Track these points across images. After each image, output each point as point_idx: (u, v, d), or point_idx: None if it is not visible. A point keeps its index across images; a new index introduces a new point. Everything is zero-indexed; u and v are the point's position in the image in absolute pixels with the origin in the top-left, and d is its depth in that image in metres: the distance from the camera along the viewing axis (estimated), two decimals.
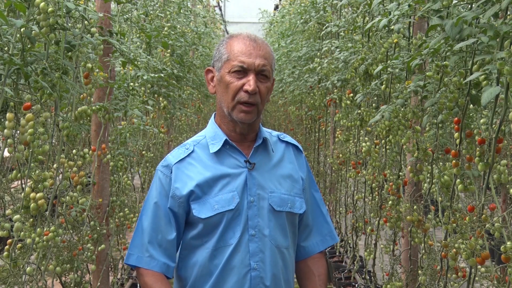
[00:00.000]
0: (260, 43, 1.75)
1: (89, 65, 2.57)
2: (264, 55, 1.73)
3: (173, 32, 4.97)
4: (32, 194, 2.15)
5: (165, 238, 1.75)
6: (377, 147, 3.42)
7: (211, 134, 1.79)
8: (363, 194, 4.23)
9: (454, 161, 2.16)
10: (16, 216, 2.15)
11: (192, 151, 1.78)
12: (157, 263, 1.74)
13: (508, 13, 1.96)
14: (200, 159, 1.77)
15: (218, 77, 1.76)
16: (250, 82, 1.69)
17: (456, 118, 2.16)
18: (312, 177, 1.94)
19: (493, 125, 2.03)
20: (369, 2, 3.38)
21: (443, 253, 2.29)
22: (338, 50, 4.20)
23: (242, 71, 1.70)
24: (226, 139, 1.76)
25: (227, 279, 1.72)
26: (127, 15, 3.55)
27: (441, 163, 2.44)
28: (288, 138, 1.92)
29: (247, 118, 1.72)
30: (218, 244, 1.72)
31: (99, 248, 3.03)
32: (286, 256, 1.78)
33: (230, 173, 1.75)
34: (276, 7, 12.31)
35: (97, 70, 2.71)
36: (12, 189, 2.54)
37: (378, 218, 3.53)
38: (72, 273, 2.68)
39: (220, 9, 16.41)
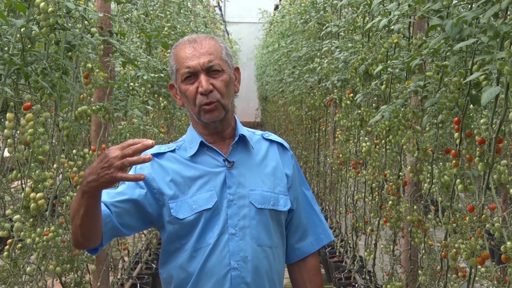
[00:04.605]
0: (200, 41, 1.74)
1: (89, 65, 2.56)
2: (208, 50, 1.72)
3: (173, 32, 4.96)
4: (32, 194, 2.16)
5: (118, 197, 1.68)
6: (377, 147, 3.42)
7: (189, 138, 1.80)
8: (363, 194, 4.23)
9: (454, 161, 2.16)
10: (16, 216, 2.15)
11: (173, 151, 1.79)
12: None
13: (508, 13, 1.96)
14: (179, 159, 1.77)
15: (178, 89, 1.77)
16: (201, 83, 1.69)
17: (456, 118, 2.16)
18: (302, 175, 1.92)
19: (493, 125, 2.03)
20: (369, 2, 3.38)
21: (443, 253, 2.29)
22: (338, 50, 4.20)
23: (192, 76, 1.71)
24: (201, 141, 1.76)
25: (206, 279, 1.70)
26: (127, 15, 3.55)
27: (441, 163, 2.44)
28: (273, 136, 1.89)
29: (213, 116, 1.72)
30: (196, 245, 1.71)
31: None
32: (270, 256, 1.75)
33: (208, 173, 1.74)
34: (276, 7, 12.30)
35: (97, 70, 2.71)
36: (12, 189, 2.54)
37: (378, 218, 3.53)
38: (72, 273, 2.68)
39: (220, 9, 16.41)
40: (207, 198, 1.71)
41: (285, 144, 1.90)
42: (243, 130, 1.82)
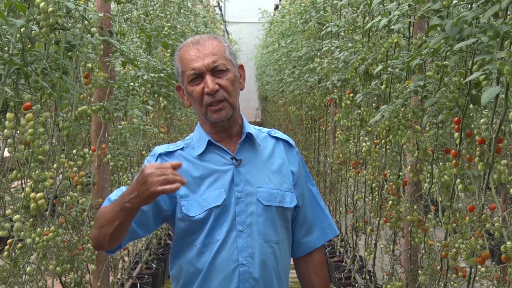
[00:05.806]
0: (203, 42, 1.76)
1: (89, 65, 2.57)
2: (212, 51, 1.74)
3: (173, 32, 4.97)
4: (32, 194, 2.16)
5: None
6: (377, 147, 3.42)
7: (197, 137, 1.83)
8: (363, 194, 4.23)
9: (454, 161, 2.16)
10: (16, 216, 2.15)
11: (182, 149, 1.82)
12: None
13: (508, 13, 1.96)
14: (188, 158, 1.80)
15: (185, 90, 1.80)
16: (207, 84, 1.71)
17: (456, 118, 2.17)
18: (307, 171, 1.94)
19: (493, 125, 2.03)
20: (369, 2, 3.38)
21: (443, 253, 2.29)
22: (338, 50, 4.20)
23: (198, 77, 1.73)
24: (209, 140, 1.79)
25: (214, 275, 1.73)
26: (127, 15, 3.55)
27: (441, 163, 2.44)
28: (279, 133, 1.92)
29: (221, 116, 1.74)
30: (205, 241, 1.74)
31: None
32: (276, 251, 1.78)
33: (217, 171, 1.77)
34: (276, 7, 12.31)
35: (97, 70, 2.71)
36: (12, 189, 2.54)
37: (378, 218, 3.53)
38: (72, 273, 2.68)
39: (220, 9, 16.40)
40: (216, 196, 1.75)
41: (291, 141, 1.93)
42: (250, 128, 1.85)
